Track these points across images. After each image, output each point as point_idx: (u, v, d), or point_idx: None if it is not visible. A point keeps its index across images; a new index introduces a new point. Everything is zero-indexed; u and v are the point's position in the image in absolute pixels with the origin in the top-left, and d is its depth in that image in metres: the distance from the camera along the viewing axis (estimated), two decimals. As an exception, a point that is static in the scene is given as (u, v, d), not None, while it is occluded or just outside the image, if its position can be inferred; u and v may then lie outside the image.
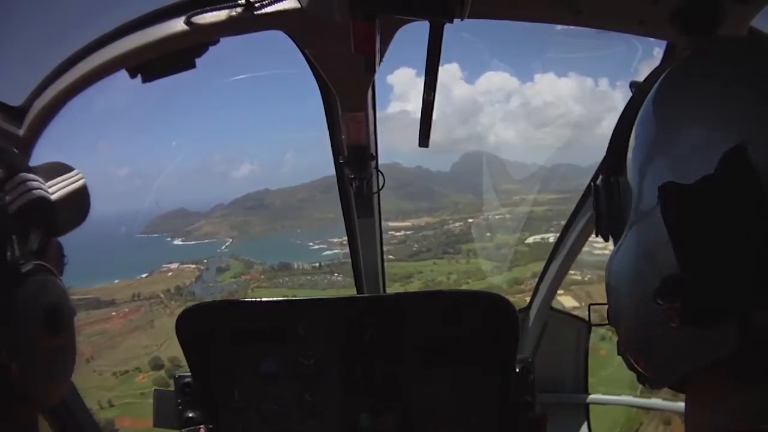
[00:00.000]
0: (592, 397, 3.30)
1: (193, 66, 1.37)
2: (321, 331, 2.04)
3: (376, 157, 1.95)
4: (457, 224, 23.49)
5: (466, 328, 2.01)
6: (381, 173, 2.01)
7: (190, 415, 2.02)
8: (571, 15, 1.14)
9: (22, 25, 1.41)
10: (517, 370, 2.04)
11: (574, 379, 3.29)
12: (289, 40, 1.39)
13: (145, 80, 1.38)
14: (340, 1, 1.00)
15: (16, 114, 1.50)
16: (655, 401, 3.19)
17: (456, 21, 0.89)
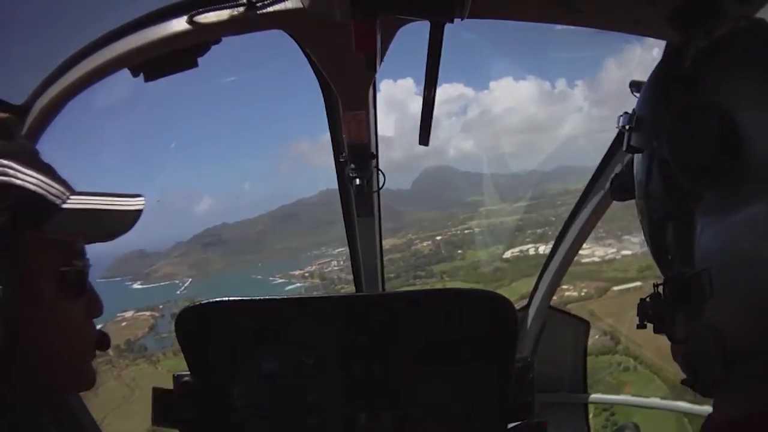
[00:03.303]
0: (590, 396, 3.31)
1: (195, 65, 1.38)
2: (321, 330, 2.04)
3: (376, 156, 1.96)
4: (425, 243, 22.40)
5: (466, 327, 2.02)
6: (381, 172, 2.02)
7: (189, 414, 2.02)
8: (569, 15, 1.15)
9: (24, 24, 1.42)
10: (516, 369, 2.05)
11: (573, 378, 3.30)
12: (290, 39, 1.40)
13: (147, 79, 1.39)
14: (341, 0, 1.01)
15: (18, 113, 1.51)
16: (655, 401, 3.20)
17: (456, 20, 0.89)
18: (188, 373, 2.02)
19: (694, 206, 0.71)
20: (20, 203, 0.75)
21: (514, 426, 2.02)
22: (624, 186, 0.90)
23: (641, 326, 0.78)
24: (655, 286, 0.76)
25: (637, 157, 0.84)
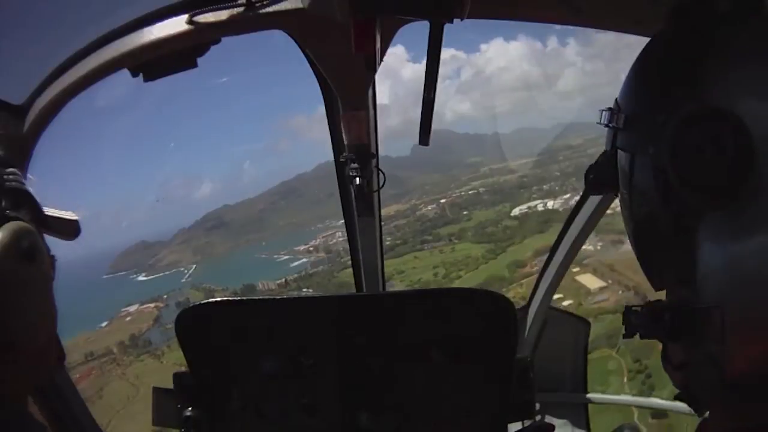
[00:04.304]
0: (590, 396, 3.30)
1: (194, 65, 1.38)
2: (321, 330, 2.04)
3: (376, 156, 1.96)
4: (429, 207, 22.01)
5: (466, 327, 2.02)
6: (382, 172, 2.02)
7: (189, 413, 2.03)
8: (570, 14, 1.15)
9: (23, 24, 1.42)
10: (517, 369, 2.05)
11: (573, 378, 3.29)
12: (290, 39, 1.40)
13: (146, 79, 1.39)
14: (340, 0, 1.01)
15: (18, 113, 1.50)
16: (655, 401, 3.20)
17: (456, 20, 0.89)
18: (188, 372, 2.02)
19: (696, 223, 0.64)
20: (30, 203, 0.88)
21: (523, 428, 2.02)
22: (601, 179, 0.83)
23: (628, 336, 0.74)
24: (646, 303, 0.72)
25: (623, 156, 0.76)
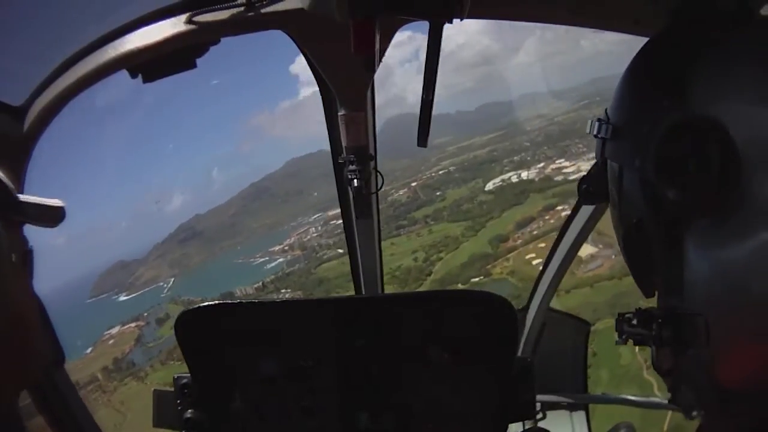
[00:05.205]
0: (590, 396, 3.30)
1: (194, 66, 1.38)
2: (320, 332, 2.04)
3: (375, 158, 1.96)
4: (401, 192, 21.93)
5: (465, 329, 2.01)
6: (380, 173, 2.01)
7: (190, 415, 2.02)
8: (568, 15, 1.15)
9: (23, 24, 1.42)
10: (516, 370, 2.04)
11: (574, 378, 3.29)
12: (289, 39, 1.40)
13: (146, 80, 1.39)
14: (340, 1, 1.01)
15: (17, 114, 1.50)
16: (655, 400, 3.20)
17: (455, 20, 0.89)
18: (188, 374, 2.02)
19: (683, 232, 0.64)
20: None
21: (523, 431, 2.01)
22: (594, 190, 0.85)
23: (622, 342, 0.75)
24: (637, 311, 0.73)
25: (612, 166, 0.78)
